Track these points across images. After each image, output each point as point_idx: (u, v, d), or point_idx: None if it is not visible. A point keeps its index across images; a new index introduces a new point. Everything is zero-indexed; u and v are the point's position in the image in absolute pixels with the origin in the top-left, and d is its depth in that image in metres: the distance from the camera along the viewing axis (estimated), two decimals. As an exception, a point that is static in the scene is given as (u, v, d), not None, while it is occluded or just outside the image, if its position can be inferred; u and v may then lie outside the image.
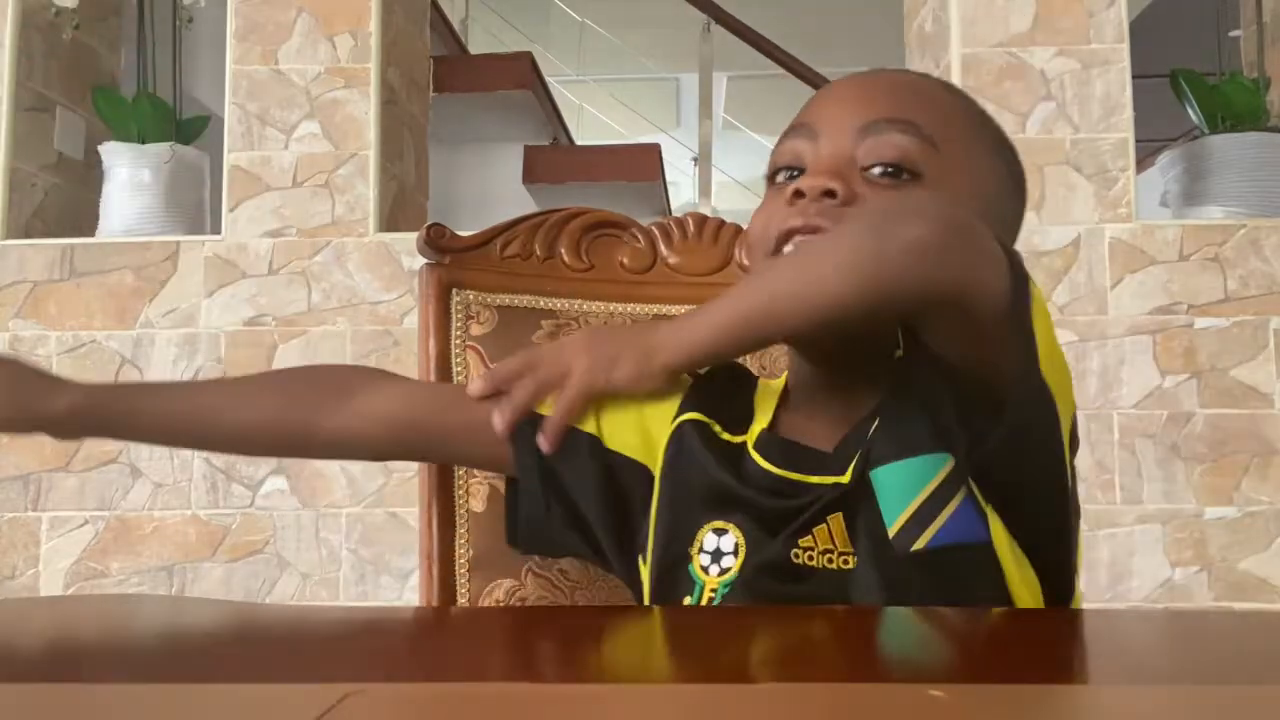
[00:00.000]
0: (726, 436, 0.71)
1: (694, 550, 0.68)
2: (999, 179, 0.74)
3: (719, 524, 0.68)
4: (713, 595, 0.66)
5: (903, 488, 0.64)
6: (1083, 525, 2.10)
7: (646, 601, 0.72)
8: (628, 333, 0.79)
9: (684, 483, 0.70)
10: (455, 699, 0.35)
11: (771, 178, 0.74)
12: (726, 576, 0.66)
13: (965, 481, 0.63)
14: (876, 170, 0.69)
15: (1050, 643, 0.49)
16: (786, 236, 0.68)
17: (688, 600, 0.67)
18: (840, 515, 0.65)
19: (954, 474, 0.63)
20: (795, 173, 0.72)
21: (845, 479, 0.65)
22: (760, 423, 0.72)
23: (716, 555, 0.67)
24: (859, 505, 0.65)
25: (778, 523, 0.66)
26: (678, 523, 0.69)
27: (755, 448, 0.70)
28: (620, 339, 0.72)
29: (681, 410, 0.72)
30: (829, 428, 0.69)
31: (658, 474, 0.71)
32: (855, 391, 0.69)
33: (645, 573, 0.71)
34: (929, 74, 0.77)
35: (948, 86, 0.77)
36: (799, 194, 0.68)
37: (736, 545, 0.67)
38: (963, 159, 0.71)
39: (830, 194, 0.67)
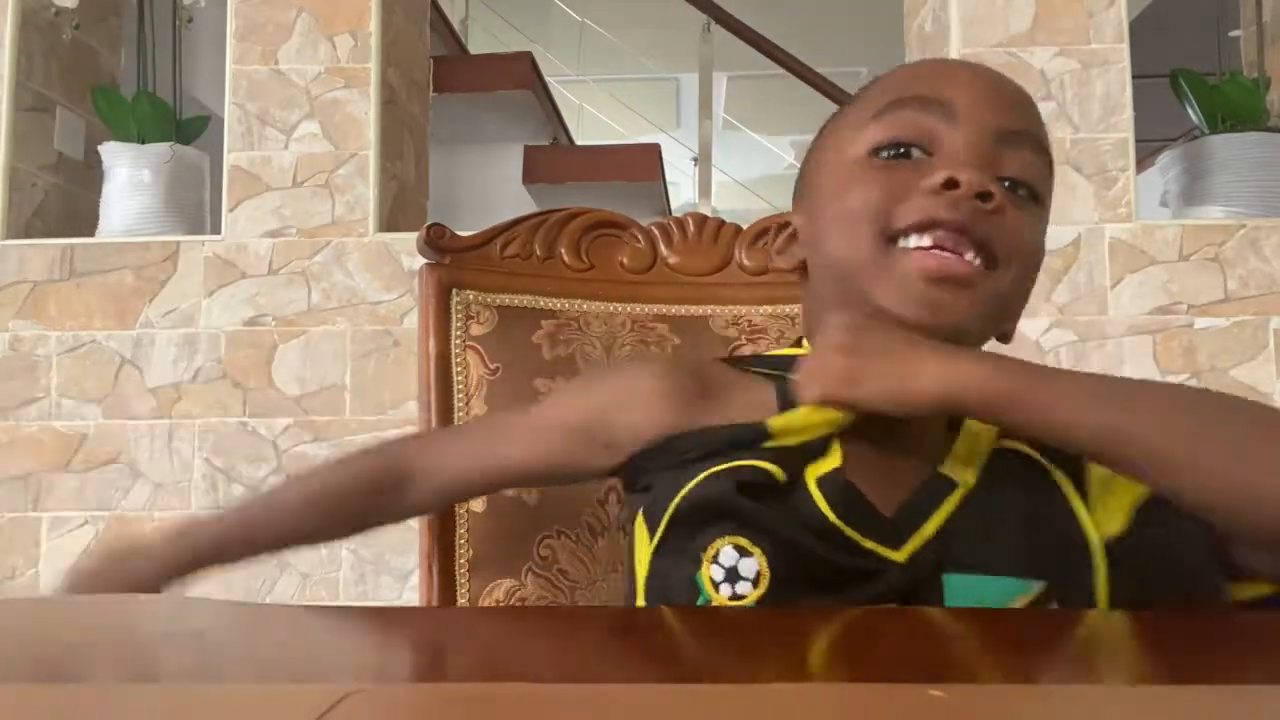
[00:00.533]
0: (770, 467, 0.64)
1: (706, 557, 0.62)
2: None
3: (744, 543, 0.62)
4: None
5: (978, 603, 0.60)
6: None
7: (634, 554, 0.69)
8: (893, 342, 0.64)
9: (714, 489, 0.64)
10: (455, 699, 0.35)
11: (874, 151, 0.66)
12: (740, 604, 0.61)
13: (1053, 602, 0.61)
14: (1008, 183, 0.65)
15: (1050, 643, 0.49)
16: (928, 226, 0.62)
17: None
18: (893, 605, 0.60)
19: (1042, 598, 0.61)
20: (913, 151, 0.65)
21: (899, 557, 0.61)
22: (832, 460, 0.64)
23: (732, 575, 0.62)
24: (918, 597, 0.61)
25: (818, 577, 0.61)
26: (696, 521, 0.64)
27: (819, 485, 0.64)
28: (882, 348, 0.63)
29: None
30: (885, 478, 0.64)
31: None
32: (920, 441, 0.66)
33: (641, 527, 0.68)
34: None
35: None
36: (953, 183, 0.62)
37: (759, 575, 0.61)
38: (1052, 184, 0.70)
39: (986, 196, 0.62)
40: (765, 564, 0.61)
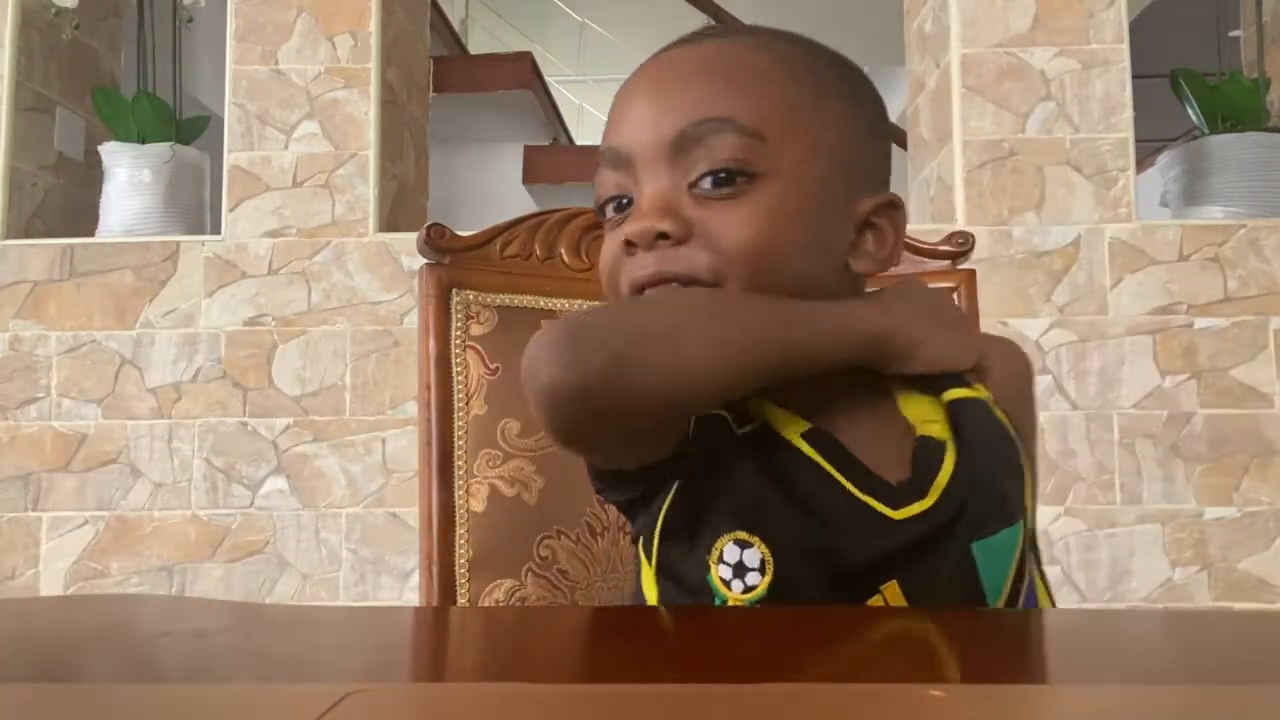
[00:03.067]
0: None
1: (711, 559, 0.62)
2: (844, 128, 0.67)
3: (742, 535, 0.62)
4: None
5: (1002, 561, 0.62)
6: (1083, 525, 2.11)
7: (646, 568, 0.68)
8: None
9: (709, 486, 0.63)
10: (455, 699, 0.35)
11: (601, 209, 0.69)
12: (752, 596, 0.61)
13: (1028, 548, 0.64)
14: (707, 183, 0.63)
15: (1050, 643, 0.49)
16: (640, 290, 0.64)
17: None
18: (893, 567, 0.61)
19: (1024, 543, 0.64)
20: (624, 200, 0.67)
21: (897, 515, 0.61)
22: (797, 420, 0.65)
23: (739, 570, 0.61)
24: (921, 558, 0.61)
25: (820, 548, 0.61)
26: (696, 527, 0.63)
27: (806, 438, 0.63)
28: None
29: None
30: (876, 443, 0.64)
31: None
32: (889, 400, 0.67)
33: (640, 555, 0.68)
34: (725, 31, 0.69)
35: (755, 44, 0.68)
36: (631, 244, 0.64)
37: (764, 562, 0.61)
38: (796, 130, 0.64)
39: (664, 236, 0.63)
40: (767, 550, 0.61)
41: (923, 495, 0.62)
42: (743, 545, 0.61)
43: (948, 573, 0.62)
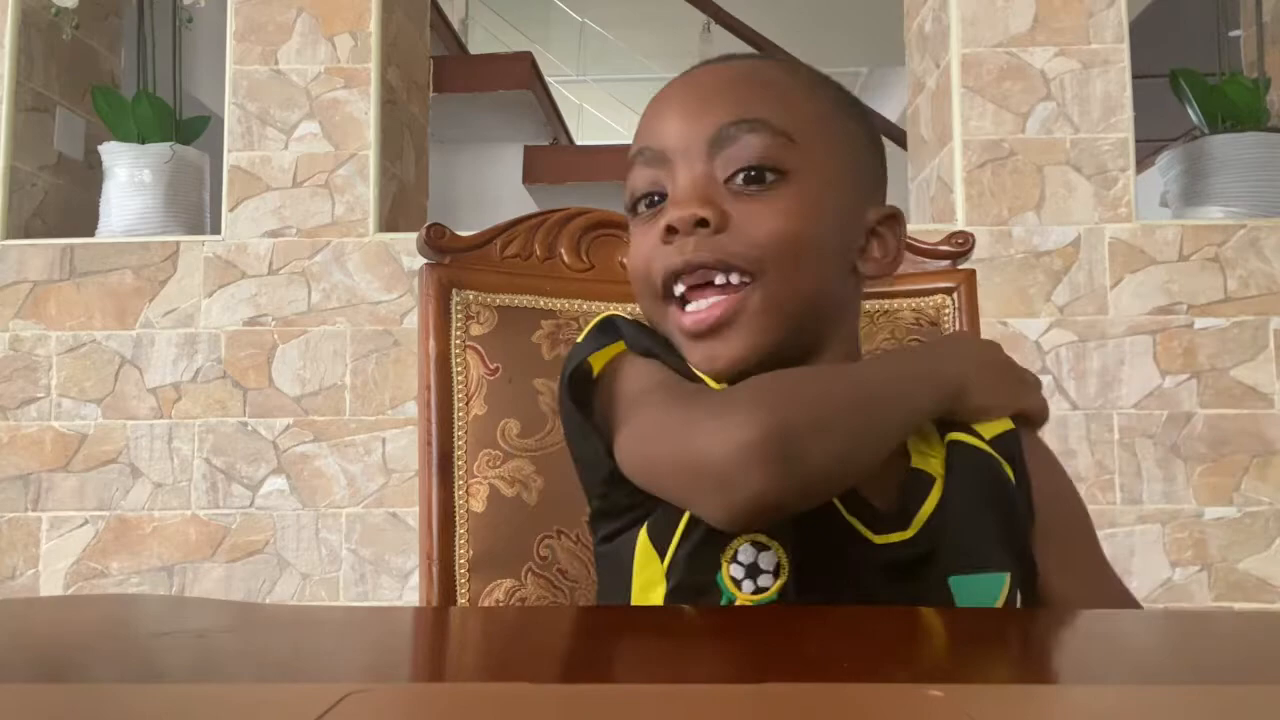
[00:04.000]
0: None
1: (725, 558, 0.63)
2: (856, 142, 0.72)
3: (761, 538, 0.63)
4: None
5: (984, 602, 0.65)
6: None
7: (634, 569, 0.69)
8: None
9: None
10: (455, 699, 0.35)
11: (633, 208, 0.72)
12: (762, 598, 0.63)
13: (1016, 591, 0.66)
14: (740, 179, 0.67)
15: (1050, 643, 0.49)
16: (673, 278, 0.67)
17: None
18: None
19: (1011, 594, 0.66)
20: (656, 198, 0.70)
21: (879, 540, 0.64)
22: None
23: (753, 571, 0.63)
24: (928, 597, 0.64)
25: (833, 559, 0.63)
26: (710, 529, 0.64)
27: None
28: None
29: None
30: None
31: None
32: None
33: (642, 537, 0.68)
34: (752, 54, 0.75)
35: (780, 64, 0.74)
36: (671, 230, 0.66)
37: (779, 566, 0.63)
38: (820, 137, 0.69)
39: (702, 223, 0.66)
40: (784, 555, 0.63)
41: (905, 526, 0.65)
42: (760, 547, 0.63)
43: (926, 603, 0.64)
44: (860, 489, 0.66)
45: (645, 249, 0.69)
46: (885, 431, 0.64)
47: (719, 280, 0.66)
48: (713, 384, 0.68)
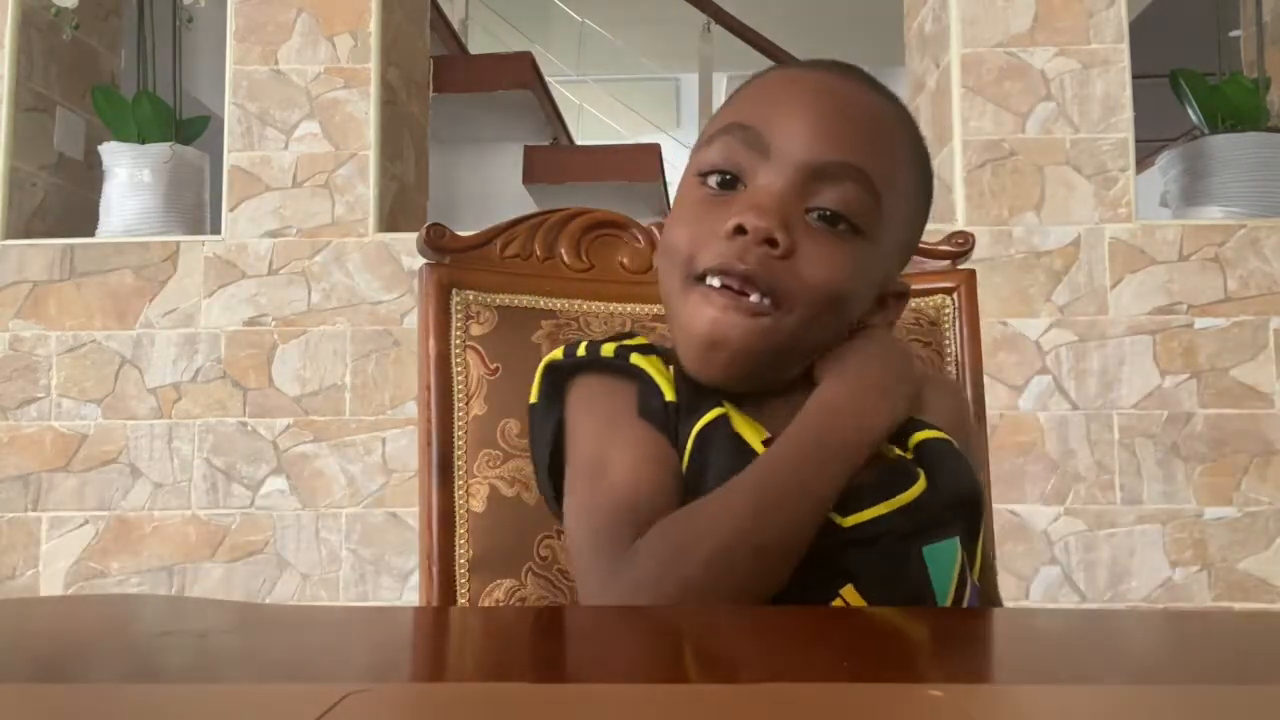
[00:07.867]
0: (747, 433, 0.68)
1: None
2: (919, 222, 0.74)
3: None
4: None
5: (948, 564, 0.66)
6: (1083, 525, 2.11)
7: None
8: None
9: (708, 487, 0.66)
10: (455, 699, 0.35)
11: (705, 175, 0.70)
12: None
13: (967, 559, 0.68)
14: (817, 215, 0.67)
15: (1050, 643, 0.49)
16: (717, 273, 0.67)
17: None
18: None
19: (963, 553, 0.68)
20: (727, 177, 0.69)
21: (844, 523, 0.65)
22: (759, 429, 0.69)
23: None
24: (903, 571, 0.65)
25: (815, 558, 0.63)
26: None
27: (766, 444, 0.68)
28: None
29: (708, 404, 0.69)
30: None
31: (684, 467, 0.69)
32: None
33: None
34: (877, 87, 0.72)
35: (901, 116, 0.73)
36: (740, 230, 0.66)
37: None
38: (899, 210, 0.70)
39: (773, 243, 0.65)
40: None
41: (876, 502, 0.65)
42: None
43: (902, 577, 0.65)
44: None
45: (699, 230, 0.68)
46: (800, 527, 0.62)
47: (753, 298, 0.66)
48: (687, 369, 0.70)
